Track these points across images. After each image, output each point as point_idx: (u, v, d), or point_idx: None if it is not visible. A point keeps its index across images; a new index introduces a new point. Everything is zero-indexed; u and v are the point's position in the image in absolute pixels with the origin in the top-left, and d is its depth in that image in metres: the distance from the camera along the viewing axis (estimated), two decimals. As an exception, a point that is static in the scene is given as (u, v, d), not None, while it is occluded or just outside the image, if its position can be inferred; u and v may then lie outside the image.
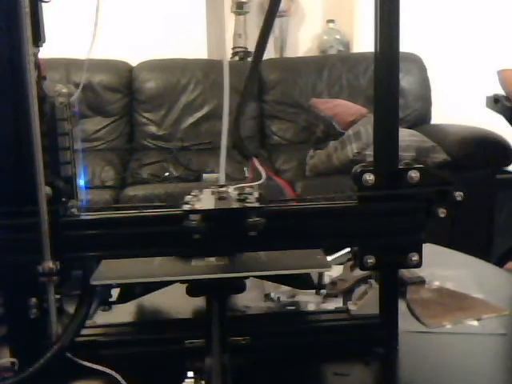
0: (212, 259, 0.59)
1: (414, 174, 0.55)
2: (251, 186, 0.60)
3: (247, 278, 0.60)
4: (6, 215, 0.53)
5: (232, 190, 0.59)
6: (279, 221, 0.56)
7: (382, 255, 0.56)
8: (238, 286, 0.60)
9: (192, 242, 0.53)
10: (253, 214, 0.53)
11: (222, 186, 0.59)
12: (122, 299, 0.61)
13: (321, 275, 0.65)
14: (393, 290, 0.59)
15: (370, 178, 0.55)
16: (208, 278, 0.56)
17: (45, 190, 0.52)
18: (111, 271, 0.59)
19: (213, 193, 0.59)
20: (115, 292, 0.62)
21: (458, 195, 0.56)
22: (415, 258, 0.56)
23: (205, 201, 0.57)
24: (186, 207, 0.54)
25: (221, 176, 0.61)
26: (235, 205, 0.55)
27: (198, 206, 0.54)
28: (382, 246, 0.56)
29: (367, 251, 0.56)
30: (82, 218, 0.56)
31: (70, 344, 0.53)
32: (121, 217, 0.57)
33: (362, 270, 0.57)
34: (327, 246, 0.61)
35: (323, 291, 0.66)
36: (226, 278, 0.56)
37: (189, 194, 0.58)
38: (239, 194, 0.57)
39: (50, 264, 0.52)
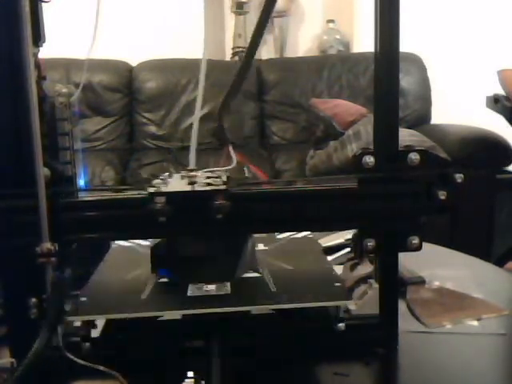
0: (212, 287, 0.57)
1: (415, 157, 0.55)
2: (221, 171, 0.59)
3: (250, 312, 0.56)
4: (4, 197, 0.52)
5: (201, 174, 0.58)
6: (246, 204, 0.55)
7: (382, 238, 0.56)
8: (242, 322, 0.55)
9: (158, 225, 0.53)
10: (218, 197, 0.52)
11: (191, 171, 0.59)
12: (107, 335, 0.56)
13: (338, 307, 0.57)
14: (393, 289, 0.59)
15: (369, 160, 0.55)
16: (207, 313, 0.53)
17: (43, 172, 0.52)
18: (93, 303, 0.55)
19: (182, 177, 0.58)
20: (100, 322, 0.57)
21: (459, 177, 0.56)
22: (415, 241, 0.56)
23: (172, 184, 0.56)
24: (151, 190, 0.53)
25: (190, 160, 0.61)
26: (201, 188, 0.54)
27: (163, 189, 0.53)
28: (382, 229, 0.56)
29: (367, 234, 0.56)
30: (80, 199, 0.56)
31: (47, 345, 0.51)
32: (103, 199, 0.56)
33: (361, 253, 0.57)
34: (323, 230, 0.60)
35: (341, 325, 0.56)
36: (228, 312, 0.53)
37: (157, 178, 0.57)
38: (207, 178, 0.57)
39: (48, 245, 0.52)
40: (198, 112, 0.63)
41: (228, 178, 0.57)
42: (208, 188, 0.54)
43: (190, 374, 0.49)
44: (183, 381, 0.49)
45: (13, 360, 0.53)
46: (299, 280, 0.59)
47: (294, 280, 0.59)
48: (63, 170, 0.56)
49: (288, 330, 0.59)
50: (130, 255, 0.68)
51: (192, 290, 0.56)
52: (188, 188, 0.55)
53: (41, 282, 0.53)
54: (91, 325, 0.55)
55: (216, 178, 0.57)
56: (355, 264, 0.77)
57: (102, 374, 0.51)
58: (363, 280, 0.71)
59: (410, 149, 0.55)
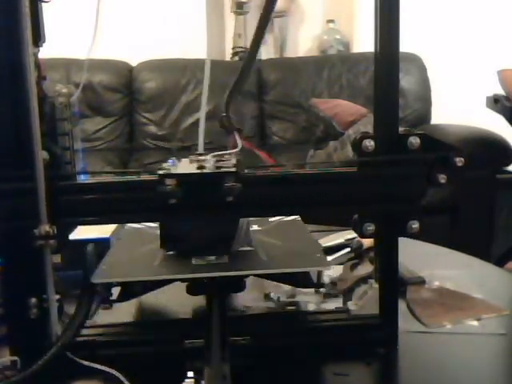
0: (212, 258, 0.60)
1: (415, 140, 0.55)
2: (229, 154, 0.61)
3: (247, 276, 0.61)
4: (3, 180, 0.52)
5: (210, 158, 0.59)
6: (257, 186, 0.56)
7: (381, 222, 0.56)
8: (238, 285, 0.61)
9: (169, 208, 0.54)
10: (229, 179, 0.53)
11: (200, 155, 0.60)
12: (123, 298, 0.62)
13: (320, 274, 0.65)
14: (393, 289, 0.59)
15: (370, 143, 0.55)
16: (208, 277, 0.57)
17: (42, 155, 0.52)
18: (112, 270, 0.60)
19: (191, 161, 0.60)
20: (116, 290, 0.62)
21: (459, 161, 0.56)
22: (415, 225, 0.56)
23: (182, 167, 0.57)
24: (161, 172, 0.54)
25: (199, 144, 0.63)
26: (212, 170, 0.55)
27: (173, 171, 0.55)
28: (381, 213, 0.56)
29: (367, 218, 0.56)
30: (79, 182, 0.56)
31: (71, 343, 0.53)
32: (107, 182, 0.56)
33: (361, 237, 0.57)
34: (323, 214, 0.60)
35: (322, 290, 0.67)
36: (226, 277, 0.57)
37: (166, 162, 0.59)
38: (217, 161, 0.58)
39: (46, 227, 0.52)
40: (205, 96, 0.66)
41: (237, 161, 0.58)
42: (219, 170, 0.55)
43: (190, 374, 0.49)
44: (183, 381, 0.49)
45: (15, 358, 0.53)
46: (286, 252, 0.64)
47: (282, 252, 0.64)
48: (62, 153, 0.56)
49: (288, 330, 0.59)
50: (140, 235, 0.72)
51: (196, 260, 0.60)
52: (198, 171, 0.56)
53: (41, 282, 0.53)
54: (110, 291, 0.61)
55: (225, 161, 0.58)
56: (355, 264, 0.77)
57: (102, 373, 0.51)
58: (363, 280, 0.71)
59: (410, 132, 0.55)
